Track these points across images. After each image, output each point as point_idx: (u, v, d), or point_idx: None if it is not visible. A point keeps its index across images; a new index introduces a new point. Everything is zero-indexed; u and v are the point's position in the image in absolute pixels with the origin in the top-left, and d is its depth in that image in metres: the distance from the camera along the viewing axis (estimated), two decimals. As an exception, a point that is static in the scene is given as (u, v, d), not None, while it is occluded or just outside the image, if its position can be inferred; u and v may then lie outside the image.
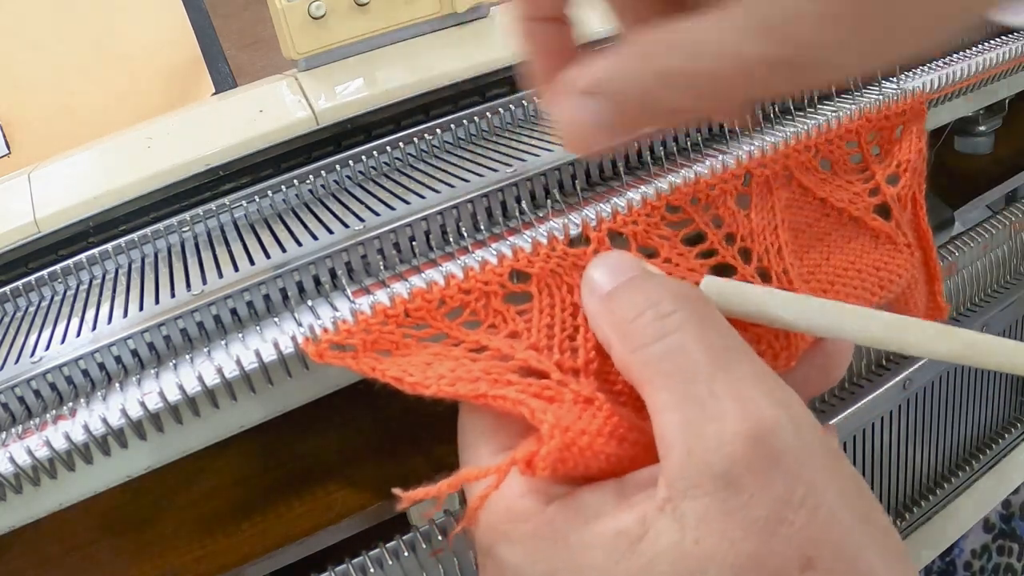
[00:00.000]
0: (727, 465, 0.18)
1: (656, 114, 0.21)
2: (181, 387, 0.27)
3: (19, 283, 0.38)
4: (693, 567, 0.18)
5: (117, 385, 0.28)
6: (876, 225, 0.34)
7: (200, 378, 0.27)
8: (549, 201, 0.34)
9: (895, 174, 0.36)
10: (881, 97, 0.39)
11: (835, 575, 0.18)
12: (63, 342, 0.31)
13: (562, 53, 0.24)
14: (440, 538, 0.30)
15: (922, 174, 0.37)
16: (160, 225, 0.41)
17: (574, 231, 0.29)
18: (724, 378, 0.20)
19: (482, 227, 0.34)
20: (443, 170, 0.40)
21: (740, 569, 0.18)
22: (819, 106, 0.40)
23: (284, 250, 0.34)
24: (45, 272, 0.39)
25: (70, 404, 0.28)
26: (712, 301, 0.24)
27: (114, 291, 0.35)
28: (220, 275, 0.33)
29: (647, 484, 0.20)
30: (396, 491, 0.21)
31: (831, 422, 0.38)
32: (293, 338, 0.27)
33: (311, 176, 0.42)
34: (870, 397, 0.45)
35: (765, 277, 0.30)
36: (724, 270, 0.29)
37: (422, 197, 0.36)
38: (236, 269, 0.33)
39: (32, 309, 0.37)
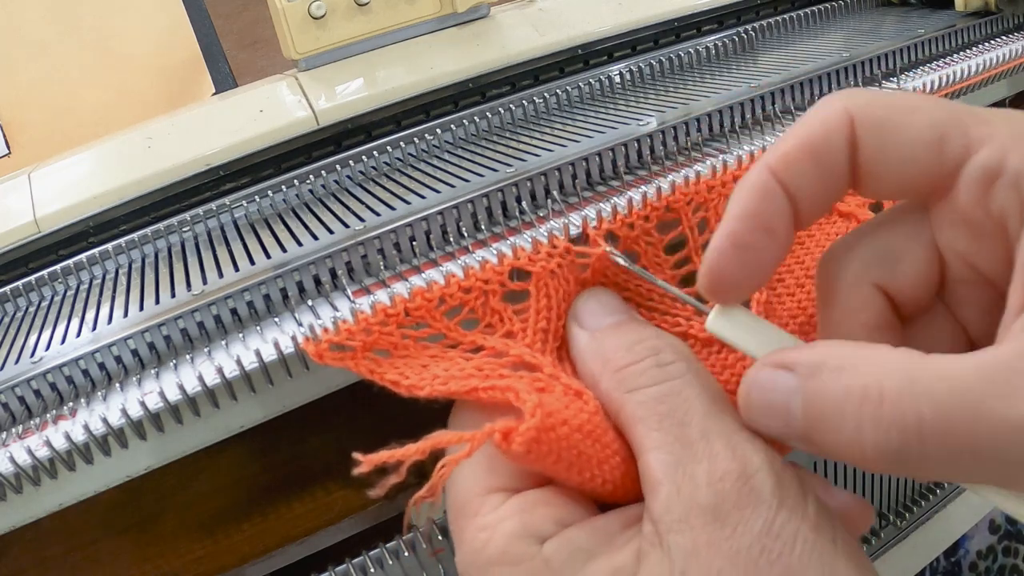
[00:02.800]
0: (716, 501, 0.19)
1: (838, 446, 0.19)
2: (181, 387, 0.27)
3: (19, 283, 0.38)
4: None
5: (117, 385, 0.28)
6: None
7: (200, 378, 0.27)
8: (549, 201, 0.34)
9: None
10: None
11: None
12: (63, 342, 0.31)
13: (759, 251, 0.22)
14: (440, 538, 0.30)
15: None
16: (160, 225, 0.41)
17: (574, 231, 0.29)
18: (715, 425, 0.21)
19: (482, 227, 0.34)
20: (443, 170, 0.40)
21: None
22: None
23: (284, 250, 0.34)
24: (45, 272, 0.39)
25: (70, 404, 0.28)
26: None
27: (114, 291, 0.35)
28: (220, 275, 0.33)
29: (634, 520, 0.21)
30: (357, 455, 0.21)
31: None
32: (293, 338, 0.27)
33: (311, 176, 0.42)
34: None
35: None
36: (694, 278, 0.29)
37: (422, 197, 0.36)
38: (236, 269, 0.33)
39: (32, 309, 0.37)
